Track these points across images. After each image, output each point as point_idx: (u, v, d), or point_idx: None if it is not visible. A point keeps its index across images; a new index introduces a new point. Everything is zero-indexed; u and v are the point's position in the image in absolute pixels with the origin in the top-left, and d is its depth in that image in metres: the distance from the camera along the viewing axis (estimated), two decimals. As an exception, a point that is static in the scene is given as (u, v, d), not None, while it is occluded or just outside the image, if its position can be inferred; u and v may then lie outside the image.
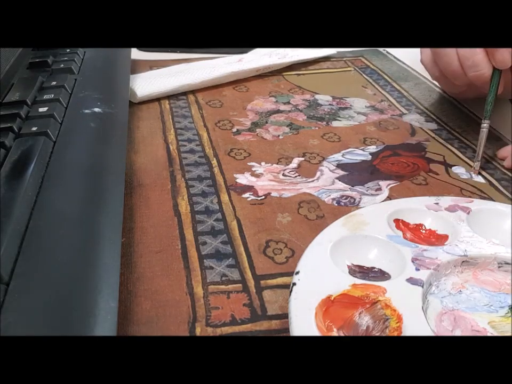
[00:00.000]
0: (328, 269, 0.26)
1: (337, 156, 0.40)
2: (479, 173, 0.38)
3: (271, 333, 0.25)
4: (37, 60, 0.42)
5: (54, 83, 0.38)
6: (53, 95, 0.36)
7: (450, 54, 0.39)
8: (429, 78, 0.49)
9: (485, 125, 0.38)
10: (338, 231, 0.28)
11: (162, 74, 0.50)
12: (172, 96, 0.49)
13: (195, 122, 0.45)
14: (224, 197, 0.35)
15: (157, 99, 0.48)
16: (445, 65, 0.40)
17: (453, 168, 0.39)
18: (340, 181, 0.37)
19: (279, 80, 0.54)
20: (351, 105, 0.49)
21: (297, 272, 0.26)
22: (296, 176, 0.37)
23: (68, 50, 0.45)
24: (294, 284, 0.25)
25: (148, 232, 0.31)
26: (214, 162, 0.39)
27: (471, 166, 0.39)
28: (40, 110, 0.34)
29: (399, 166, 0.39)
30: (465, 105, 0.48)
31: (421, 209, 0.31)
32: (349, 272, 0.27)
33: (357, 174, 0.38)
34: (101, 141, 0.33)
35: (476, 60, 0.37)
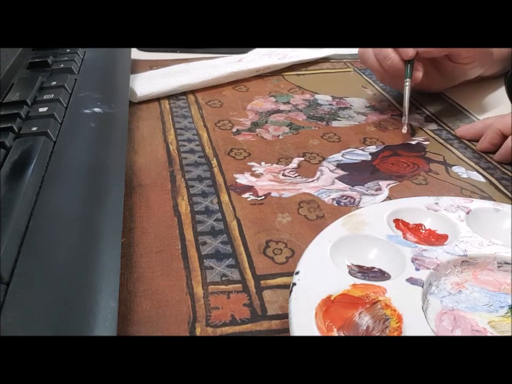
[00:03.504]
0: (328, 269, 0.26)
1: (337, 156, 0.40)
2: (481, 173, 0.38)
3: (271, 333, 0.25)
4: (37, 60, 0.42)
5: (54, 83, 0.38)
6: (53, 95, 0.36)
7: (367, 52, 0.45)
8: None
9: (407, 82, 0.43)
10: (338, 231, 0.28)
11: (162, 74, 0.50)
12: (172, 96, 0.49)
13: (195, 122, 0.45)
14: (224, 197, 0.35)
15: (157, 99, 0.48)
16: (365, 61, 0.46)
17: (453, 168, 0.39)
18: (339, 181, 0.37)
19: (279, 80, 0.54)
20: (351, 105, 0.49)
21: (297, 272, 0.26)
22: (296, 176, 0.37)
23: (68, 50, 0.45)
24: (294, 284, 0.25)
25: (148, 232, 0.31)
26: (214, 162, 0.39)
27: (471, 166, 0.39)
28: (40, 110, 0.34)
29: (399, 166, 0.39)
30: (464, 106, 0.48)
31: (420, 209, 0.31)
32: (349, 272, 0.27)
33: (357, 174, 0.38)
34: (101, 141, 0.33)
35: (384, 53, 0.43)
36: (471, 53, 0.44)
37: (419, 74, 0.43)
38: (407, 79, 0.43)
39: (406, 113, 0.43)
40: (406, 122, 0.42)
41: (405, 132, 0.42)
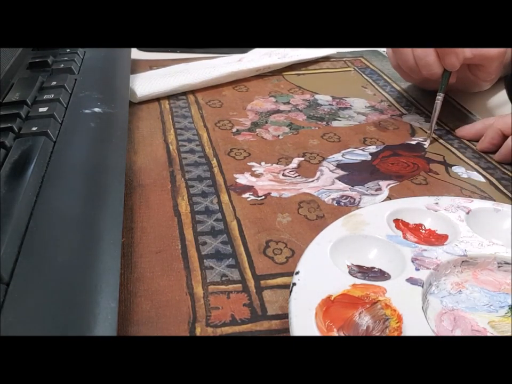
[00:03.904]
0: (328, 269, 0.26)
1: (337, 156, 0.40)
2: (480, 173, 0.38)
3: (271, 333, 0.25)
4: (37, 60, 0.42)
5: (54, 83, 0.38)
6: (53, 95, 0.36)
7: (407, 52, 0.44)
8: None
9: (439, 97, 0.43)
10: (338, 231, 0.28)
11: (162, 74, 0.50)
12: (172, 96, 0.49)
13: (195, 122, 0.45)
14: (224, 197, 0.35)
15: (157, 99, 0.48)
16: (402, 62, 0.45)
17: (453, 167, 0.39)
18: (339, 181, 0.37)
19: (279, 80, 0.54)
20: (351, 105, 0.49)
21: (297, 272, 0.26)
22: (296, 176, 0.37)
23: (68, 50, 0.45)
24: (294, 284, 0.25)
25: (148, 232, 0.31)
26: (214, 162, 0.39)
27: (471, 166, 0.39)
28: (40, 110, 0.34)
29: (399, 166, 0.39)
30: (464, 106, 0.48)
31: (420, 209, 0.31)
32: (349, 272, 0.27)
33: (357, 174, 0.38)
34: (101, 141, 0.33)
35: (428, 61, 0.42)
36: (493, 71, 0.44)
37: (454, 79, 0.44)
38: (440, 93, 0.43)
39: (433, 127, 0.42)
40: (431, 138, 0.42)
41: (427, 145, 0.42)
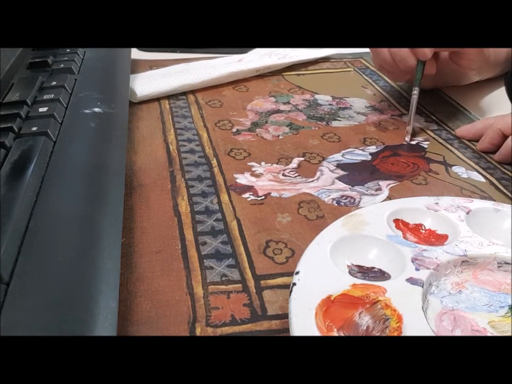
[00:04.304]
0: (328, 269, 0.26)
1: (337, 156, 0.40)
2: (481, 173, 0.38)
3: (271, 333, 0.25)
4: (37, 60, 0.42)
5: (54, 83, 0.38)
6: (53, 95, 0.36)
7: (383, 50, 0.46)
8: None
9: (415, 91, 0.44)
10: (338, 231, 0.28)
11: (162, 74, 0.50)
12: (172, 96, 0.49)
13: (195, 122, 0.45)
14: (224, 197, 0.35)
15: (157, 99, 0.48)
16: (381, 61, 0.47)
17: (453, 167, 0.39)
18: (339, 181, 0.37)
19: (279, 80, 0.54)
20: (351, 105, 0.49)
21: (297, 272, 0.26)
22: (296, 176, 0.37)
23: (68, 50, 0.45)
24: (294, 284, 0.25)
25: (148, 232, 0.31)
26: (214, 162, 0.39)
27: (471, 166, 0.39)
28: (40, 110, 0.34)
29: (399, 166, 0.39)
30: (464, 106, 0.48)
31: (420, 209, 0.31)
32: (349, 272, 0.27)
33: (357, 174, 0.38)
34: (101, 141, 0.33)
35: (402, 54, 0.43)
36: (475, 58, 0.45)
37: (433, 69, 0.44)
38: (416, 88, 0.43)
39: (411, 122, 0.43)
40: (410, 131, 0.43)
41: (408, 140, 0.42)
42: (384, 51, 0.46)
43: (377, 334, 0.23)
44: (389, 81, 0.54)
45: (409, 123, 0.43)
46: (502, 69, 0.52)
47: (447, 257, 0.27)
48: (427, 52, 0.42)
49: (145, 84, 0.48)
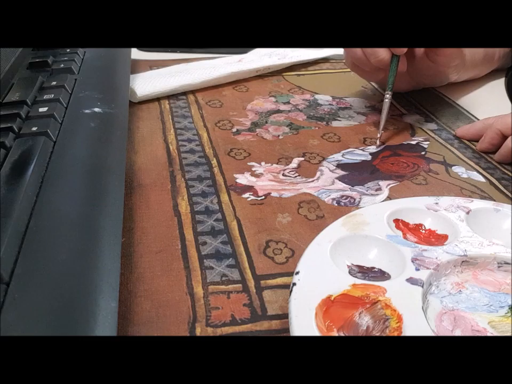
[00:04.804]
0: (328, 269, 0.26)
1: (337, 156, 0.40)
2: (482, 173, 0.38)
3: (271, 333, 0.25)
4: (37, 60, 0.42)
5: (54, 83, 0.38)
6: (53, 95, 0.36)
7: (358, 51, 0.44)
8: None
9: (388, 95, 0.42)
10: (338, 231, 0.28)
11: (162, 74, 0.50)
12: (172, 96, 0.49)
13: (195, 122, 0.45)
14: (224, 197, 0.35)
15: (157, 99, 0.48)
16: (353, 56, 0.44)
17: (453, 167, 0.39)
18: (339, 181, 0.37)
19: (279, 80, 0.54)
20: (351, 105, 0.49)
21: (297, 272, 0.26)
22: (296, 176, 0.37)
23: (68, 50, 0.45)
24: (294, 284, 0.25)
25: (148, 232, 0.31)
26: (214, 162, 0.39)
27: (471, 166, 0.39)
28: (40, 110, 0.34)
29: (399, 166, 0.39)
30: (464, 106, 0.48)
31: (420, 209, 0.31)
32: (349, 272, 0.27)
33: (357, 174, 0.38)
34: (101, 141, 0.33)
35: (374, 48, 0.42)
36: (452, 54, 0.44)
37: (404, 66, 0.43)
38: (388, 92, 0.42)
39: (382, 125, 0.42)
40: (380, 135, 0.42)
41: (378, 144, 0.42)
42: (357, 50, 0.44)
43: (377, 334, 0.23)
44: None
45: (380, 128, 0.42)
46: (482, 69, 0.52)
47: (447, 257, 0.27)
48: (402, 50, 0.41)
49: (145, 84, 0.48)
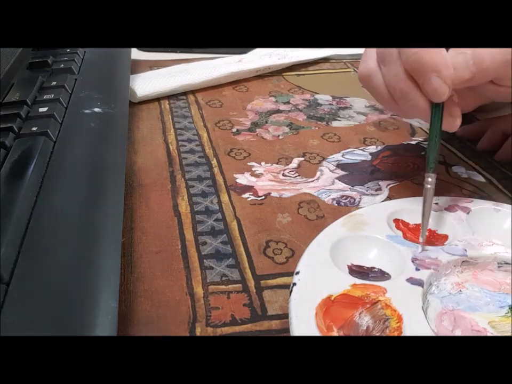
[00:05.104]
0: (328, 269, 0.26)
1: (337, 156, 0.40)
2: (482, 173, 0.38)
3: (271, 333, 0.25)
4: (37, 60, 0.42)
5: (54, 83, 0.38)
6: (53, 95, 0.36)
7: (378, 83, 0.31)
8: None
9: (430, 179, 0.28)
10: (338, 231, 0.28)
11: (162, 74, 0.50)
12: (172, 96, 0.49)
13: (195, 122, 0.45)
14: (224, 197, 0.35)
15: (157, 99, 0.48)
16: (376, 97, 0.32)
17: (453, 167, 0.39)
18: (339, 181, 0.37)
19: (279, 80, 0.54)
20: (351, 105, 0.49)
21: (297, 272, 0.26)
22: (296, 176, 0.37)
23: (68, 50, 0.45)
24: (294, 284, 0.25)
25: (148, 232, 0.31)
26: (214, 162, 0.39)
27: (471, 166, 0.39)
28: (40, 110, 0.34)
29: (399, 166, 0.39)
30: (465, 105, 0.48)
31: (421, 209, 0.31)
32: (349, 272, 0.27)
33: (357, 174, 0.38)
34: (101, 141, 0.33)
35: (403, 88, 0.28)
36: None
37: (456, 122, 0.29)
38: (430, 174, 0.28)
39: (426, 224, 0.28)
40: (424, 239, 0.28)
41: (421, 242, 0.28)
42: (379, 83, 0.31)
43: (377, 334, 0.23)
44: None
45: (424, 227, 0.28)
46: None
47: (447, 257, 0.27)
48: (442, 92, 0.27)
49: (145, 84, 0.48)
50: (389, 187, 0.36)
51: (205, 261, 0.29)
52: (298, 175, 0.38)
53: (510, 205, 0.31)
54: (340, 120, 0.46)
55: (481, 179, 0.37)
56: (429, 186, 0.28)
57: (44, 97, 0.36)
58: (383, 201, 0.35)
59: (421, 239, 0.28)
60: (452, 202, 0.31)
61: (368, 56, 0.33)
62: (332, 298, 0.24)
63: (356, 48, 0.61)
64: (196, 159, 0.39)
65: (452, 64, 0.27)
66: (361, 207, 0.33)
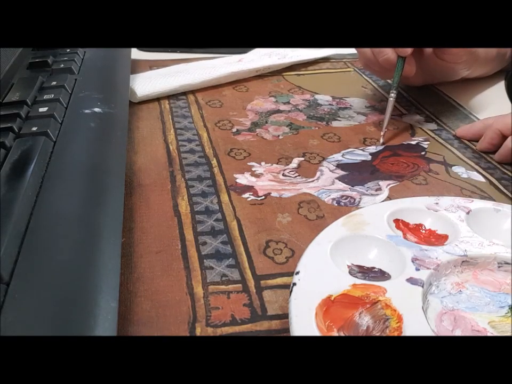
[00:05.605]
0: (328, 269, 0.26)
1: (337, 156, 0.40)
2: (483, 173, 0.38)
3: (271, 333, 0.25)
4: (37, 60, 0.42)
5: (54, 83, 0.38)
6: (53, 95, 0.36)
7: (366, 49, 0.46)
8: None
9: (393, 95, 0.43)
10: (338, 231, 0.28)
11: (162, 74, 0.50)
12: (172, 96, 0.49)
13: (195, 122, 0.45)
14: (224, 197, 0.35)
15: (157, 99, 0.48)
16: (363, 56, 0.47)
17: (453, 167, 0.39)
18: (339, 181, 0.37)
19: (279, 80, 0.54)
20: (351, 105, 0.49)
21: (297, 272, 0.26)
22: (296, 176, 0.37)
23: (68, 50, 0.45)
24: (294, 284, 0.25)
25: (148, 232, 0.31)
26: (214, 162, 0.39)
27: (471, 166, 0.39)
28: (40, 110, 0.34)
29: (399, 166, 0.39)
30: (464, 106, 0.48)
31: (421, 209, 0.31)
32: (349, 272, 0.27)
33: (357, 174, 0.38)
34: (101, 141, 0.33)
35: (383, 50, 0.43)
36: (459, 52, 0.44)
37: (412, 69, 0.44)
38: (393, 91, 0.43)
39: (386, 123, 0.42)
40: (383, 134, 0.42)
41: (381, 142, 0.42)
42: (367, 49, 0.45)
43: (377, 334, 0.23)
44: (389, 81, 0.54)
45: (384, 126, 0.42)
46: (494, 65, 0.52)
47: (447, 257, 0.27)
48: (406, 48, 0.42)
49: (145, 84, 0.48)
50: (389, 187, 0.36)
51: (205, 261, 0.29)
52: (298, 175, 0.38)
53: (510, 205, 0.31)
54: (339, 120, 0.46)
55: (481, 179, 0.37)
56: (391, 99, 0.43)
57: (44, 97, 0.36)
58: (383, 201, 0.35)
59: (381, 140, 0.42)
60: (452, 202, 0.31)
61: None
62: (332, 298, 0.24)
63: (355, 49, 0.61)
64: (196, 159, 0.39)
65: None
66: (361, 207, 0.33)
